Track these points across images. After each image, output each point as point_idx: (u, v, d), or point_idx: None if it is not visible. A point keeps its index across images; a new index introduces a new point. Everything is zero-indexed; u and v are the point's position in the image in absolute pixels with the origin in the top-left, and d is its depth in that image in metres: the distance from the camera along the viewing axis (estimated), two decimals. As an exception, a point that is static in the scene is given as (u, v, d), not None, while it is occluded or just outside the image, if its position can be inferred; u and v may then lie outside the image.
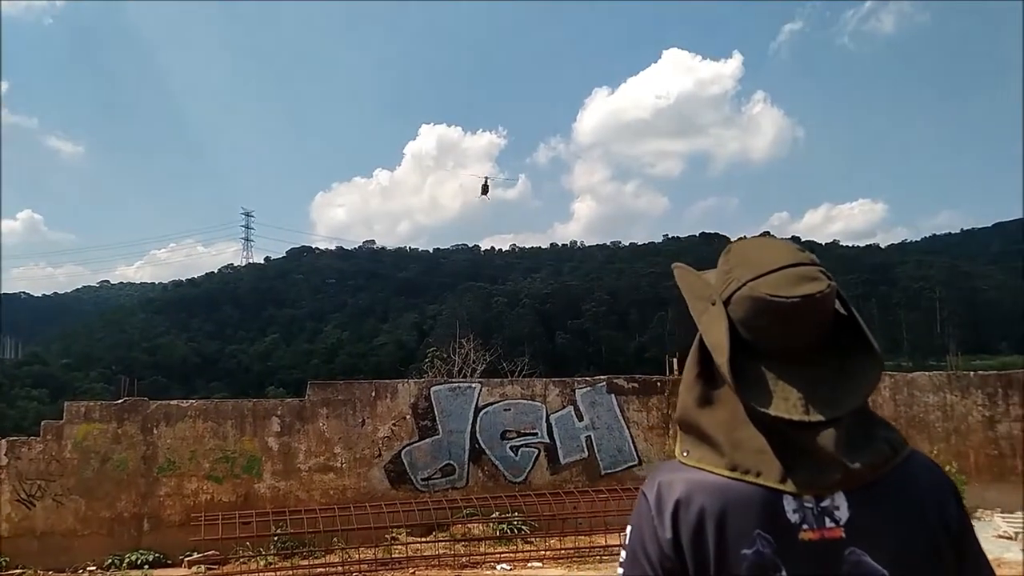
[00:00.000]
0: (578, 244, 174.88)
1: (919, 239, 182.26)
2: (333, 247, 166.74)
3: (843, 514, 1.26)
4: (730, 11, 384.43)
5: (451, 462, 12.21)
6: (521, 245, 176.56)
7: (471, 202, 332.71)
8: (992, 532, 10.71)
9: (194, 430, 11.51)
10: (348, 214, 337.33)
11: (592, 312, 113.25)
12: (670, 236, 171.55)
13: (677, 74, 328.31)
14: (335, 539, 10.92)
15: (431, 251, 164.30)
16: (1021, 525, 10.94)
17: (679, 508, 1.30)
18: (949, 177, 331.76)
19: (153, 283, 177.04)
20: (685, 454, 1.36)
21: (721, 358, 1.30)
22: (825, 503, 1.26)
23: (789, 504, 1.26)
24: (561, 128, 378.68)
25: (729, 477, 1.29)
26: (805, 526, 1.25)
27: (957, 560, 1.30)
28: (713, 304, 1.37)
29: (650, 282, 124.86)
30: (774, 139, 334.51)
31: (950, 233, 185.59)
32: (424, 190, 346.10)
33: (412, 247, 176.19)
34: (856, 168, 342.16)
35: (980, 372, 13.25)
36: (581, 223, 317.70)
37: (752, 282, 1.31)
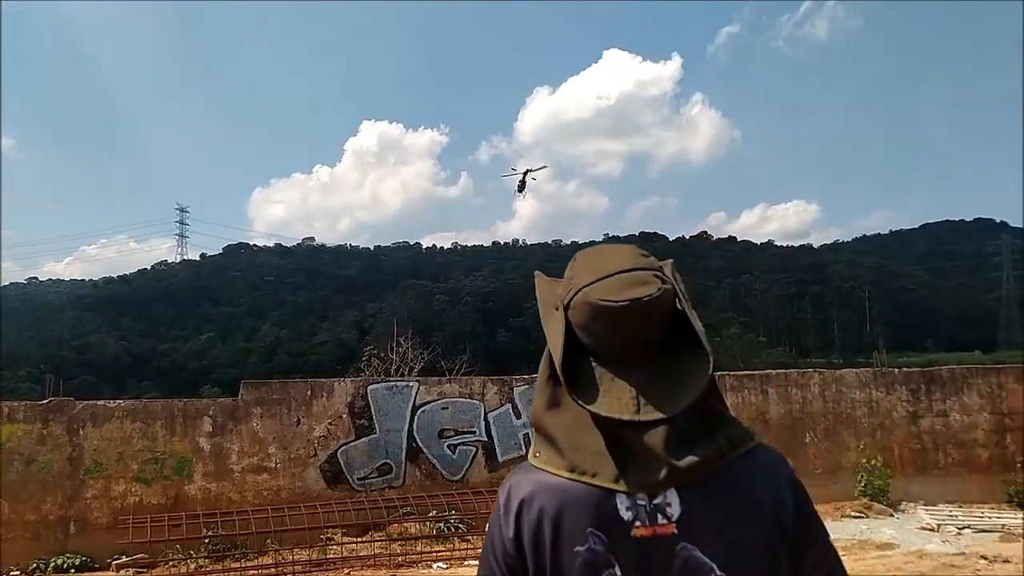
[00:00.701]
0: (520, 242, 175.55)
1: (850, 239, 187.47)
2: (272, 244, 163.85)
3: (675, 511, 1.30)
4: (669, 13, 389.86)
5: (388, 461, 12.11)
6: (463, 243, 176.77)
7: (412, 199, 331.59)
8: (916, 524, 11.05)
9: (122, 431, 11.20)
10: (287, 211, 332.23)
11: (533, 310, 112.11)
12: (610, 235, 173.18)
13: (618, 75, 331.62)
14: (268, 540, 10.75)
15: (372, 248, 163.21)
16: (943, 517, 11.32)
17: (522, 508, 1.35)
18: (879, 179, 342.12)
19: (83, 280, 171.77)
20: (536, 456, 1.40)
21: (556, 360, 1.35)
22: (657, 500, 1.30)
23: (622, 503, 1.30)
24: (503, 127, 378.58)
25: (568, 478, 1.33)
26: (638, 523, 1.30)
27: (797, 553, 1.33)
28: (556, 309, 1.42)
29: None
30: (712, 140, 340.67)
31: (879, 234, 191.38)
32: (365, 187, 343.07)
33: (353, 244, 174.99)
34: (790, 170, 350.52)
35: (904, 369, 13.68)
36: (523, 221, 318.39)
37: (586, 288, 1.37)
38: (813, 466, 12.36)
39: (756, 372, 13.63)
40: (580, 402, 1.32)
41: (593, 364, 1.36)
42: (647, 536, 1.29)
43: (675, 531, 1.29)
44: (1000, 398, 12.79)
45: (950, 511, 11.66)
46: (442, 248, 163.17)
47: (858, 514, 11.55)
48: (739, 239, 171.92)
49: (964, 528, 10.70)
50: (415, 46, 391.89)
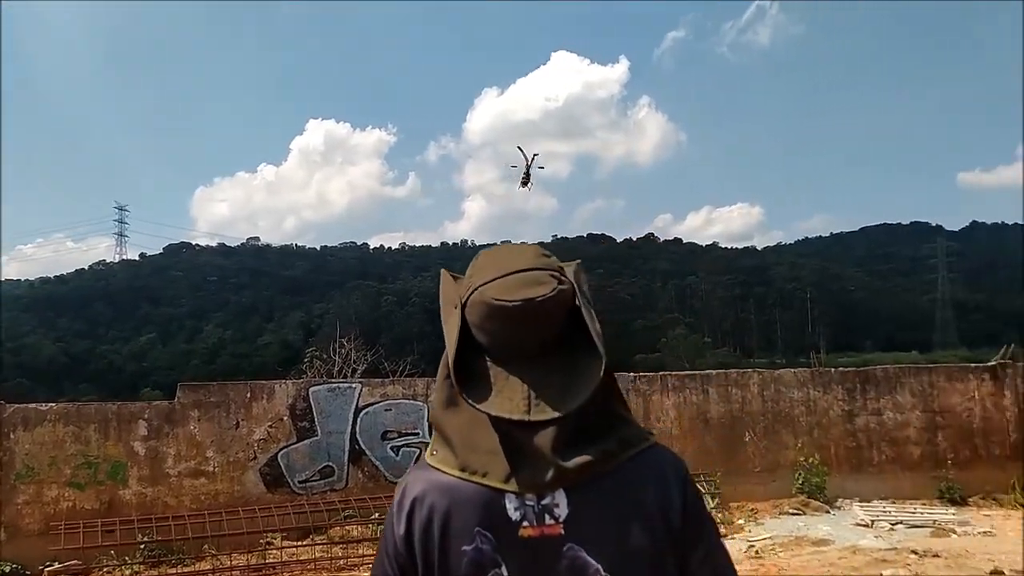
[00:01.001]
0: (469, 243, 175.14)
1: (792, 242, 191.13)
2: (215, 244, 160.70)
3: (563, 511, 1.31)
4: (616, 17, 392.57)
5: (330, 464, 11.97)
6: (411, 243, 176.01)
7: (360, 199, 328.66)
8: (851, 520, 11.30)
9: (54, 435, 10.88)
10: (231, 210, 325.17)
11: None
12: (559, 236, 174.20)
13: (566, 77, 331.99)
14: (206, 546, 10.53)
15: (319, 249, 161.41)
16: (877, 513, 11.59)
17: (414, 507, 1.36)
18: (820, 183, 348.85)
19: (19, 280, 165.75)
20: (433, 454, 1.41)
21: (449, 359, 1.36)
22: (546, 501, 1.31)
23: (511, 503, 1.31)
24: (451, 127, 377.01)
25: (459, 477, 1.34)
26: (526, 523, 1.31)
27: (684, 553, 1.35)
28: (455, 308, 1.43)
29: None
30: (658, 143, 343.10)
31: (820, 237, 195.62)
32: (311, 186, 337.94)
33: (299, 244, 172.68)
34: (735, 173, 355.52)
35: (840, 369, 13.99)
36: (472, 222, 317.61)
37: (482, 287, 1.38)
38: (752, 464, 12.57)
39: (697, 372, 13.82)
40: (470, 401, 1.32)
41: (488, 363, 1.37)
42: (534, 536, 1.30)
43: (562, 532, 1.30)
44: (932, 397, 13.15)
45: (884, 507, 11.95)
46: (390, 248, 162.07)
47: (796, 511, 11.77)
48: (685, 241, 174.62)
49: (897, 524, 10.98)
50: (362, 45, 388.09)
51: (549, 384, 1.32)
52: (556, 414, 1.28)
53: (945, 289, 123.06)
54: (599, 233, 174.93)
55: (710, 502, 11.38)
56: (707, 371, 13.96)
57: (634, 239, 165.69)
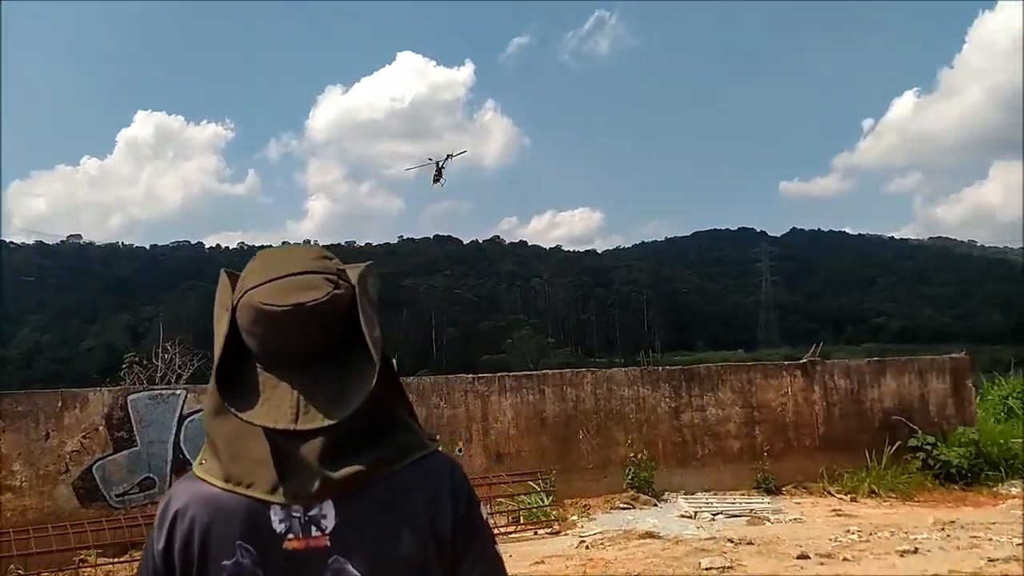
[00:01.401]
0: (312, 243, 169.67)
1: (630, 246, 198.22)
2: (31, 241, 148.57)
3: (330, 522, 1.28)
4: (462, 19, 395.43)
5: (151, 475, 11.29)
6: (251, 243, 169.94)
7: (194, 196, 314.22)
8: (676, 513, 11.81)
9: None
10: (49, 205, 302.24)
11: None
12: (405, 237, 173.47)
13: (411, 77, 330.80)
14: (12, 566, 9.68)
15: (148, 248, 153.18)
16: (701, 504, 12.18)
17: (176, 520, 1.31)
18: (656, 190, 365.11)
19: None
20: (200, 464, 1.35)
21: (214, 364, 1.31)
22: (313, 512, 1.28)
23: (276, 514, 1.28)
24: (293, 124, 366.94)
25: (223, 488, 1.29)
26: (291, 535, 1.27)
27: (453, 564, 1.34)
28: (226, 311, 1.36)
29: (384, 282, 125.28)
30: (504, 147, 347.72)
31: (656, 241, 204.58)
32: (140, 181, 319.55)
33: (126, 243, 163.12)
34: (577, 178, 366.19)
35: (668, 367, 14.62)
36: (315, 221, 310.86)
37: (252, 290, 1.31)
38: (586, 462, 12.90)
39: (534, 372, 14.06)
40: (233, 410, 1.26)
41: (259, 369, 1.30)
42: (299, 549, 1.26)
43: (328, 544, 1.27)
44: (750, 393, 13.97)
45: (706, 499, 12.58)
46: (227, 248, 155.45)
47: (626, 505, 12.18)
48: (529, 243, 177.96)
49: (717, 514, 11.58)
50: (196, 34, 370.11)
51: (320, 391, 1.26)
52: (325, 423, 1.23)
53: (768, 291, 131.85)
54: (446, 234, 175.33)
55: (544, 500, 11.61)
56: (543, 371, 14.22)
57: (480, 241, 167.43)
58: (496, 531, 10.76)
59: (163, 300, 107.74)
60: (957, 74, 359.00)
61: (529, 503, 11.66)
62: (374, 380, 1.27)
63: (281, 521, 1.27)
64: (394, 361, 1.44)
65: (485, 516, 1.43)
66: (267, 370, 1.30)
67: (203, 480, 1.31)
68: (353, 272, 1.40)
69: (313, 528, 1.27)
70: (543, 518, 11.35)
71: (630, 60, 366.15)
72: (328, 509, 1.27)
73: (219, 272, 1.45)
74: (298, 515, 1.27)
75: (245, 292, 1.32)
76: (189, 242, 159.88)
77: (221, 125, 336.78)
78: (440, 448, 1.43)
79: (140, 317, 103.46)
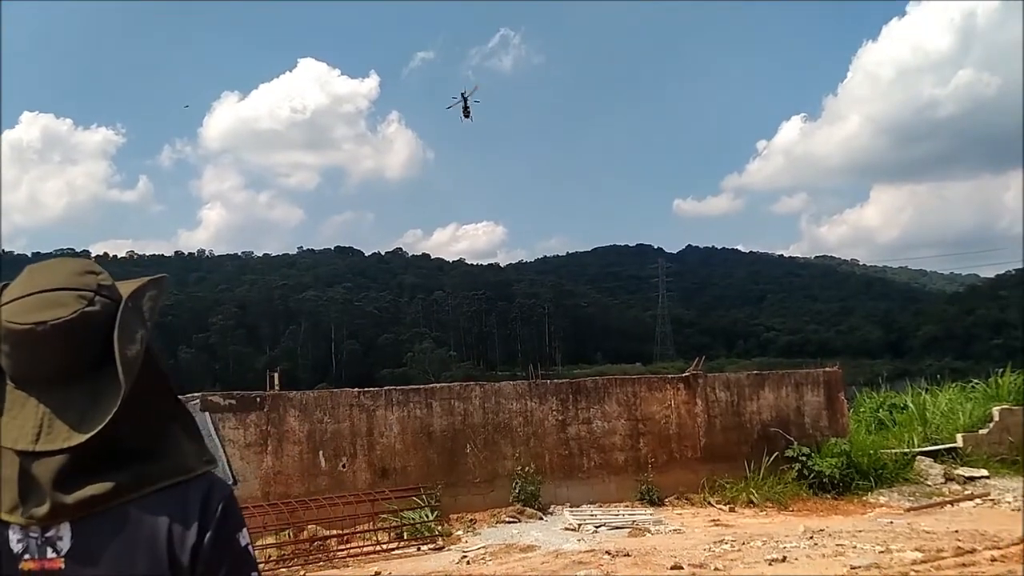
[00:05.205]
0: (207, 253, 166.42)
1: (533, 260, 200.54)
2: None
3: (65, 544, 1.27)
4: (368, 30, 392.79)
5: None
6: (141, 252, 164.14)
7: (80, 202, 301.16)
8: (560, 525, 11.87)
9: None
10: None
11: (220, 325, 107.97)
12: (305, 248, 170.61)
13: (313, 86, 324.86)
14: None
15: (30, 255, 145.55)
16: (585, 517, 12.30)
17: None
18: (558, 205, 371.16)
19: None
20: None
21: None
22: (50, 533, 1.27)
23: (15, 534, 1.27)
24: (187, 131, 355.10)
25: None
26: (27, 556, 1.26)
27: None
28: None
29: (283, 294, 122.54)
30: (408, 159, 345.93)
31: (558, 255, 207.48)
32: (22, 186, 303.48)
33: (6, 250, 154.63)
34: (480, 192, 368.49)
35: (555, 380, 14.76)
36: (210, 231, 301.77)
37: (5, 306, 1.30)
38: (473, 476, 12.84)
39: (422, 386, 13.92)
40: None
41: (10, 387, 1.30)
42: (35, 570, 1.26)
43: (62, 566, 1.26)
44: (635, 406, 14.21)
45: (591, 511, 12.71)
46: (115, 257, 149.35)
47: (511, 519, 12.18)
48: (432, 256, 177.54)
49: (600, 526, 11.70)
50: (87, 34, 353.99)
51: (69, 411, 1.26)
52: (66, 444, 1.23)
53: (664, 306, 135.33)
54: (347, 246, 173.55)
55: (429, 515, 11.49)
56: (431, 385, 14.12)
57: (383, 253, 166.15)
58: (379, 548, 10.65)
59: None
60: (841, 101, 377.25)
61: (413, 518, 11.52)
62: (119, 401, 1.25)
63: (19, 541, 1.26)
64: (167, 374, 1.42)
65: (245, 543, 1.40)
66: (18, 388, 1.29)
67: None
68: (128, 287, 1.38)
69: (49, 550, 1.26)
70: (427, 534, 11.23)
71: (533, 78, 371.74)
72: (65, 531, 1.26)
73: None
74: (35, 536, 1.26)
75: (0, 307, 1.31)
76: (74, 250, 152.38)
77: (112, 130, 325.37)
78: (211, 470, 1.40)
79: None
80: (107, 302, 1.33)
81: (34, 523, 1.26)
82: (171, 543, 1.29)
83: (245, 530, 1.40)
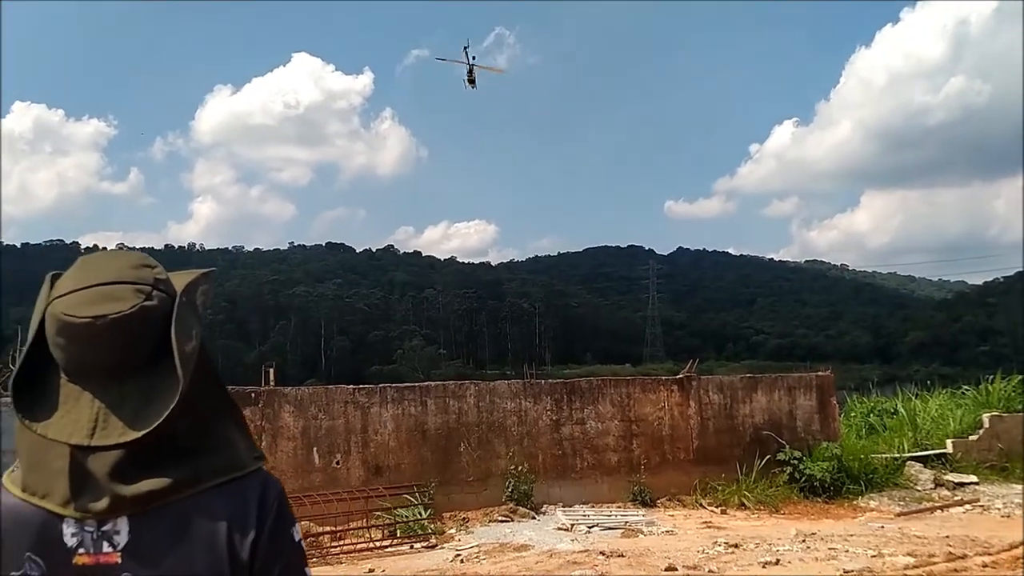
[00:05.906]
0: (197, 246, 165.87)
1: (524, 260, 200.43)
2: None
3: (122, 539, 1.26)
4: (362, 26, 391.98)
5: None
6: (130, 244, 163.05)
7: (71, 194, 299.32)
8: (553, 525, 11.88)
9: None
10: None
11: (208, 320, 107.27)
12: (296, 244, 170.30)
13: (307, 81, 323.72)
14: None
15: (19, 246, 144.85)
16: (578, 517, 12.32)
17: None
18: (550, 205, 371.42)
19: None
20: (11, 473, 1.33)
21: (12, 374, 1.28)
22: (106, 527, 1.26)
23: (69, 528, 1.26)
24: (179, 124, 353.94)
25: (20, 499, 1.28)
26: (82, 550, 1.26)
27: None
28: (38, 318, 1.33)
29: (273, 289, 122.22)
30: (400, 156, 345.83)
31: (549, 255, 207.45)
32: (13, 177, 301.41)
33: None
34: (472, 191, 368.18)
35: (550, 380, 14.77)
36: (201, 224, 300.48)
37: (57, 300, 1.29)
38: (467, 474, 12.85)
39: (417, 384, 13.91)
40: (26, 421, 1.25)
41: (63, 381, 1.28)
42: (89, 564, 1.25)
43: (119, 560, 1.25)
44: (628, 407, 14.24)
45: (584, 512, 12.73)
46: (105, 248, 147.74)
47: (504, 518, 12.19)
48: (424, 254, 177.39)
49: (593, 527, 11.72)
50: (81, 25, 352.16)
51: (125, 406, 1.24)
52: (122, 439, 1.22)
53: (655, 307, 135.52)
54: (338, 242, 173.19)
55: (422, 513, 11.50)
56: (426, 383, 14.11)
57: (374, 250, 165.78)
58: (372, 545, 10.64)
59: (33, 300, 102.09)
60: (833, 107, 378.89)
61: (407, 516, 11.52)
62: (177, 397, 1.23)
63: (73, 535, 1.25)
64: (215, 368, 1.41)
65: (298, 539, 1.41)
66: (72, 381, 1.27)
67: (7, 490, 1.29)
68: (181, 280, 1.37)
69: (105, 544, 1.25)
70: (420, 532, 11.23)
71: (528, 78, 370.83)
72: (122, 525, 1.25)
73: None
74: (91, 530, 1.25)
75: (52, 301, 1.29)
76: (63, 241, 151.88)
77: (104, 121, 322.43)
78: (263, 466, 1.40)
79: (10, 319, 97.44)
80: (163, 296, 1.31)
81: (90, 517, 1.25)
82: (231, 539, 1.29)
83: (297, 525, 1.41)
